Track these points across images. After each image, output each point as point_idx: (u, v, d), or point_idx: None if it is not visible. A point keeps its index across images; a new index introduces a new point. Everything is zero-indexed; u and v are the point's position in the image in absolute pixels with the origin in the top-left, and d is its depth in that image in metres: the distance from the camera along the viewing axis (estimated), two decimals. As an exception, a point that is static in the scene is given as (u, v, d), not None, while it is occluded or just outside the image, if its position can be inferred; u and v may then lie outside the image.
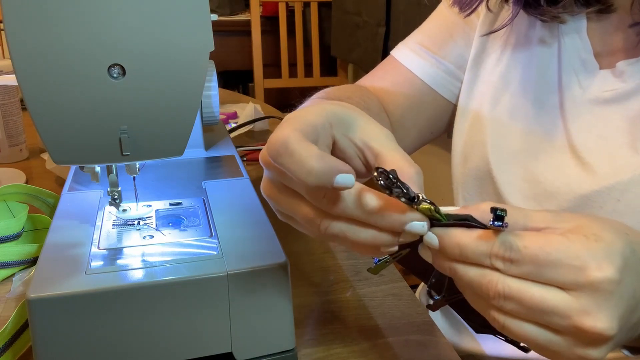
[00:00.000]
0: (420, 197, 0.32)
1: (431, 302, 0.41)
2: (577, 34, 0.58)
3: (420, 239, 0.34)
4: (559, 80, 0.59)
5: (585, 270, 0.30)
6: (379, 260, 0.39)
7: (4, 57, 1.06)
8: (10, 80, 0.83)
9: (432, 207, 0.32)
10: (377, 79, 0.72)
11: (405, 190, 0.32)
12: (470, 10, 0.62)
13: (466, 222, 0.32)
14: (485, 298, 0.33)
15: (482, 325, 0.38)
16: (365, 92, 0.67)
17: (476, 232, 0.32)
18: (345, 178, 0.32)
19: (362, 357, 0.48)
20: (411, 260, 0.37)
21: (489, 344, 0.68)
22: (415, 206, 0.32)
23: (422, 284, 0.55)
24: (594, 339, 0.30)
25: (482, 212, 0.33)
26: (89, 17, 0.37)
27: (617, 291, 0.30)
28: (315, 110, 0.37)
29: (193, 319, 0.41)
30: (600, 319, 0.30)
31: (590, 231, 0.31)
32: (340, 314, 0.54)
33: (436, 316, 0.74)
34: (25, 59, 0.38)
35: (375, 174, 0.32)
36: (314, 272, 0.61)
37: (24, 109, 0.95)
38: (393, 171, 0.33)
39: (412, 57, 0.70)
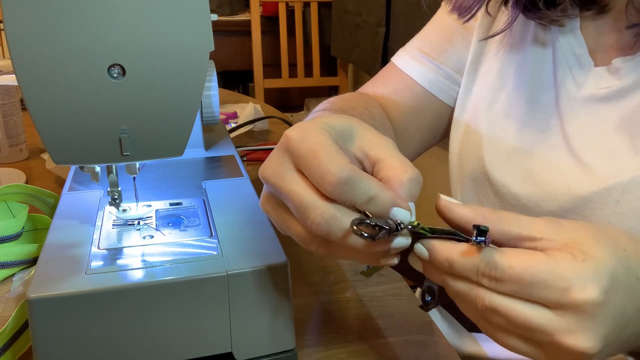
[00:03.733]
0: (402, 225, 0.33)
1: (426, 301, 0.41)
2: (571, 32, 0.58)
3: (410, 247, 0.35)
4: (554, 77, 0.58)
5: (569, 291, 0.30)
6: (371, 265, 0.39)
7: (4, 57, 1.05)
8: (10, 80, 0.83)
9: (415, 223, 0.33)
10: (379, 86, 0.73)
11: (386, 227, 0.32)
12: (469, 16, 0.62)
13: (452, 236, 0.33)
14: (475, 309, 0.34)
15: (474, 325, 0.38)
16: (369, 100, 0.67)
17: (463, 247, 0.33)
18: (400, 213, 0.33)
19: (362, 357, 0.48)
20: (404, 264, 0.37)
21: (490, 346, 0.67)
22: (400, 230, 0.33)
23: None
24: (575, 357, 0.31)
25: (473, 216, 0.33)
26: (89, 17, 0.37)
27: (601, 312, 0.31)
28: (317, 125, 0.37)
29: (193, 319, 0.41)
30: (582, 339, 0.31)
31: (581, 249, 0.31)
32: (340, 314, 0.54)
33: (436, 318, 0.74)
34: (25, 59, 0.38)
35: (355, 227, 0.32)
36: (314, 272, 0.61)
37: (24, 109, 0.95)
38: (364, 214, 0.33)
39: (411, 64, 0.70)
